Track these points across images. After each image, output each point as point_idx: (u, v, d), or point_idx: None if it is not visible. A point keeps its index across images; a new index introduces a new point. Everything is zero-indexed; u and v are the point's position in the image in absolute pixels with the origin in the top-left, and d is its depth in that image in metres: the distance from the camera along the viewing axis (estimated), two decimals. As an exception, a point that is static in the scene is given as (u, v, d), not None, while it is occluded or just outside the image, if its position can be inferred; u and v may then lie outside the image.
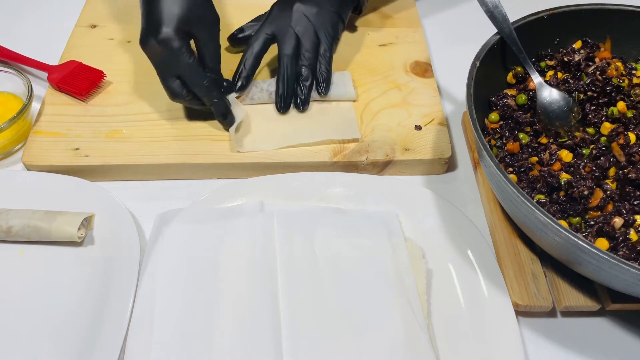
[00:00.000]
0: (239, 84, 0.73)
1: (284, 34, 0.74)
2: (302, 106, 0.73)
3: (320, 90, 0.74)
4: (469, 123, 0.64)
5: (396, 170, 0.72)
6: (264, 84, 0.75)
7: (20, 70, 0.75)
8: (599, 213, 0.57)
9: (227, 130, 0.71)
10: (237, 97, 0.73)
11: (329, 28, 0.76)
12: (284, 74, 0.73)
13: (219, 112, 0.70)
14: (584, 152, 0.62)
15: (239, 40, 0.81)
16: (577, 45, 0.71)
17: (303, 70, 0.73)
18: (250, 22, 0.82)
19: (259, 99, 0.74)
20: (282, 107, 0.73)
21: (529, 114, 0.67)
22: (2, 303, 0.58)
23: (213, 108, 0.70)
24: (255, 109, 0.74)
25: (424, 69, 0.81)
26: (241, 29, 0.81)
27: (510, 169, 0.62)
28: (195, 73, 0.67)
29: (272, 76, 0.79)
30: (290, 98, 0.73)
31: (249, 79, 0.74)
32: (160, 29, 0.64)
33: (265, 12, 0.79)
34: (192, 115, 0.73)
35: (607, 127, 0.62)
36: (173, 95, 0.68)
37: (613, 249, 0.54)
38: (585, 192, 0.57)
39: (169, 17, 0.65)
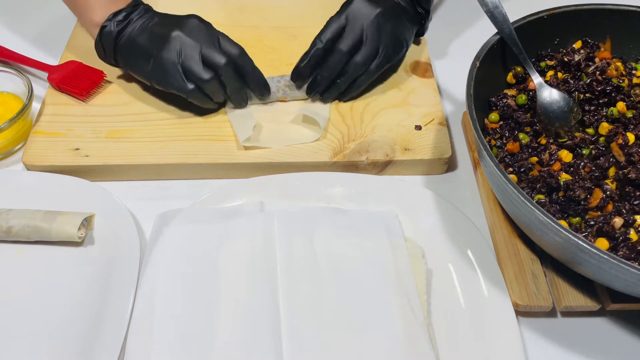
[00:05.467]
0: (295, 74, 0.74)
1: (351, 30, 0.71)
2: (327, 99, 0.74)
3: (324, 97, 0.74)
4: (469, 123, 0.64)
5: (396, 170, 0.72)
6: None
7: (20, 70, 0.75)
8: (599, 213, 0.57)
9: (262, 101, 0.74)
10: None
11: (390, 51, 0.73)
12: (331, 65, 0.72)
13: (259, 82, 0.72)
14: (583, 152, 0.62)
15: None
16: (577, 45, 0.71)
17: (345, 76, 0.72)
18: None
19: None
20: (314, 92, 0.74)
21: (529, 114, 0.67)
22: (2, 303, 0.58)
23: (251, 79, 0.71)
24: (254, 108, 0.75)
25: (424, 69, 0.81)
26: None
27: (510, 169, 0.62)
28: (231, 41, 0.70)
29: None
30: (320, 86, 0.73)
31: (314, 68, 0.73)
32: (184, 19, 0.70)
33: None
34: (194, 110, 0.73)
35: (605, 127, 0.62)
36: (205, 80, 0.68)
37: (613, 249, 0.54)
38: (582, 196, 0.57)
39: (183, 15, 0.71)
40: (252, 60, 0.71)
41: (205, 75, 0.68)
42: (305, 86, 0.75)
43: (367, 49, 0.71)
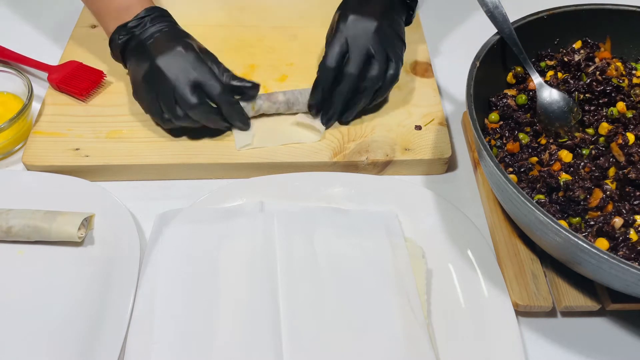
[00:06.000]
0: (316, 100, 0.71)
1: (356, 49, 0.69)
2: (348, 121, 0.72)
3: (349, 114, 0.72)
4: (469, 123, 0.64)
5: (396, 170, 0.72)
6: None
7: (20, 70, 0.75)
8: (599, 213, 0.57)
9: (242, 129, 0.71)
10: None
11: (399, 53, 0.72)
12: (344, 90, 0.69)
13: (237, 117, 0.69)
14: (583, 152, 0.62)
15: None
16: (577, 45, 0.71)
17: (364, 93, 0.70)
18: None
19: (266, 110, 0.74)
20: (328, 120, 0.71)
21: (529, 114, 0.67)
22: (2, 303, 0.58)
23: (230, 113, 0.68)
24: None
25: (424, 69, 0.81)
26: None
27: (510, 169, 0.62)
28: (214, 77, 0.67)
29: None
30: (336, 114, 0.71)
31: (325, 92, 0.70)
32: (173, 43, 0.67)
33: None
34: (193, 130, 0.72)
35: (605, 127, 0.62)
36: (192, 106, 0.65)
37: (613, 249, 0.54)
38: (582, 197, 0.57)
39: (173, 37, 0.68)
40: (229, 100, 0.68)
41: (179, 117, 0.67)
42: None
43: (378, 62, 0.69)
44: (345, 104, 0.71)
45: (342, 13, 0.71)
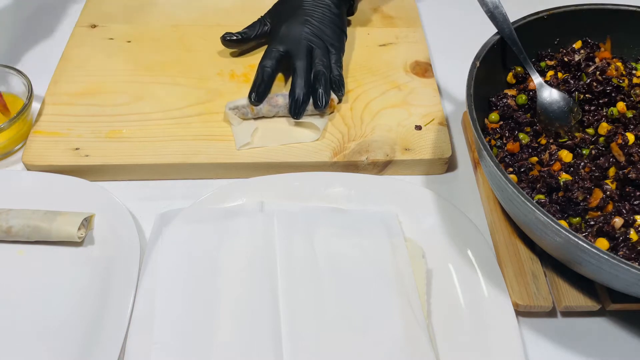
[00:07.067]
0: (254, 99, 0.72)
1: (296, 48, 0.75)
2: (324, 106, 0.72)
3: (338, 94, 0.75)
4: (469, 123, 0.64)
5: (396, 170, 0.72)
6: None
7: (20, 70, 0.75)
8: (599, 213, 0.57)
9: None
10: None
11: (336, 42, 0.78)
12: (299, 80, 0.72)
13: None
14: (583, 152, 0.62)
15: (233, 41, 0.80)
16: (577, 45, 0.71)
17: (320, 73, 0.73)
18: (242, 29, 0.81)
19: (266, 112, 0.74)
20: (298, 112, 0.72)
21: (529, 114, 0.67)
22: (2, 303, 0.58)
23: None
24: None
25: (424, 69, 0.81)
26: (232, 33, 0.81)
27: (510, 169, 0.62)
28: None
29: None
30: (305, 104, 0.72)
31: (264, 94, 0.73)
32: None
33: (259, 23, 0.81)
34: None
35: (605, 127, 0.62)
36: None
37: (613, 249, 0.54)
38: (580, 198, 0.57)
39: None
40: None
41: None
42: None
43: (320, 53, 0.75)
44: (308, 96, 0.73)
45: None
